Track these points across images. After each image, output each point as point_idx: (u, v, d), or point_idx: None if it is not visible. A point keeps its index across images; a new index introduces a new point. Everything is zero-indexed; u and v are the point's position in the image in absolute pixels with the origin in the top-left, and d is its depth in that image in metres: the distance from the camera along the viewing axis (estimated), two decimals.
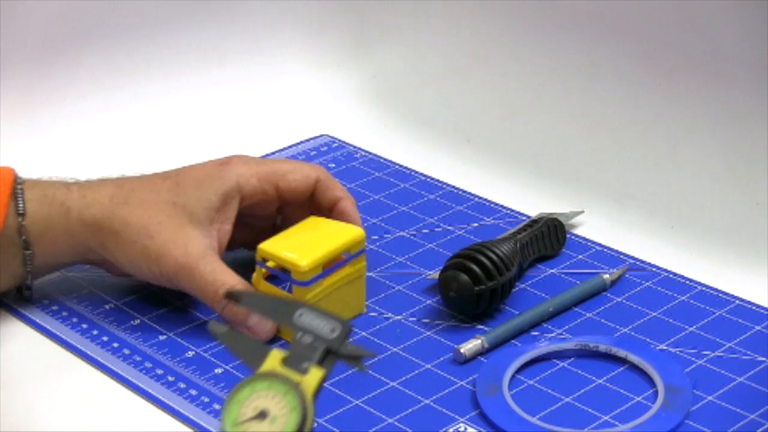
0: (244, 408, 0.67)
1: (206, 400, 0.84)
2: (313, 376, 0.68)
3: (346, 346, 0.69)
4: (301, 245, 0.88)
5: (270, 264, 0.88)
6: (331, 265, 0.88)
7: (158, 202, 0.88)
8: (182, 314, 0.92)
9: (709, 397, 0.83)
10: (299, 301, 0.73)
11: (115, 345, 0.90)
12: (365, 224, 0.98)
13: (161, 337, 0.91)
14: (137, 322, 0.92)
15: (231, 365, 0.88)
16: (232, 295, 0.77)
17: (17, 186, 0.88)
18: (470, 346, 0.88)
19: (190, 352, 0.89)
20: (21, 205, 0.87)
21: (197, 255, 0.86)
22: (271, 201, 0.92)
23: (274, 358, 0.69)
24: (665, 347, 0.89)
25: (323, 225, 0.91)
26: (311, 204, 0.93)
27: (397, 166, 1.14)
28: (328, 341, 0.69)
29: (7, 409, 0.83)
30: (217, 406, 0.83)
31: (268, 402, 0.67)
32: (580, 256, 1.00)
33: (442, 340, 0.90)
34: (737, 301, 0.94)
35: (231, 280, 0.86)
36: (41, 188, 0.89)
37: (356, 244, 0.90)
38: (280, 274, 0.88)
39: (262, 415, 0.66)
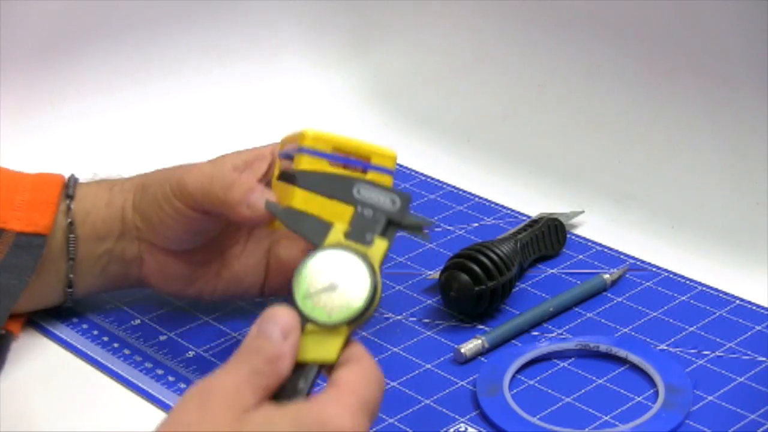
0: (312, 281, 0.66)
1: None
2: (378, 246, 0.68)
3: (407, 216, 0.69)
4: None
5: (285, 149, 0.83)
6: (346, 155, 0.81)
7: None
8: (182, 314, 0.92)
9: (710, 397, 0.83)
10: (354, 177, 0.73)
11: (116, 345, 0.90)
12: None
13: (161, 337, 0.91)
14: (137, 322, 0.92)
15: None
16: (284, 176, 0.76)
17: (70, 182, 0.88)
18: (470, 346, 0.88)
19: (190, 352, 0.89)
20: (71, 191, 0.87)
21: (219, 166, 0.83)
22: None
23: (337, 232, 0.69)
24: (666, 347, 0.89)
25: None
26: None
27: (397, 166, 1.14)
28: (390, 212, 0.69)
29: (7, 409, 0.83)
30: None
31: (336, 273, 0.66)
32: (581, 256, 1.00)
33: (443, 340, 0.90)
34: (737, 301, 0.94)
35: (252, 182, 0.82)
36: (105, 179, 0.90)
37: (383, 157, 0.81)
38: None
39: (331, 286, 0.66)
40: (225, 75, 1.27)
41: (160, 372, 0.87)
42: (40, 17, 1.15)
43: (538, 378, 0.86)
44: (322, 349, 0.65)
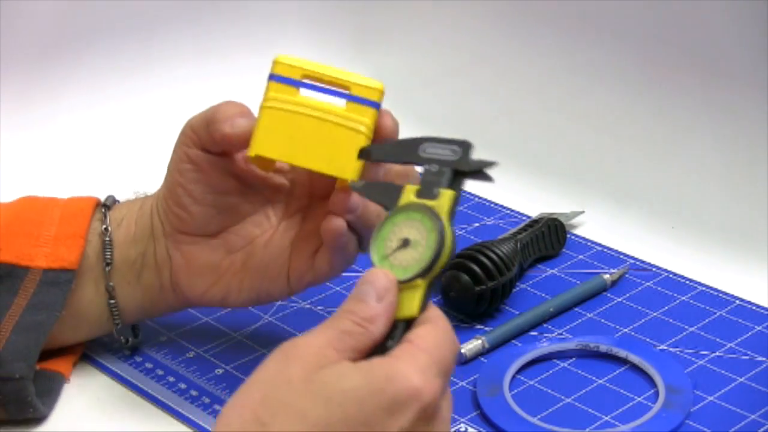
0: (388, 242, 0.68)
1: (207, 400, 0.84)
2: (445, 197, 0.69)
3: (469, 163, 0.71)
4: None
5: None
6: (321, 83, 0.78)
7: None
8: (183, 315, 0.92)
9: (710, 398, 0.83)
10: (419, 138, 0.73)
11: (116, 346, 0.90)
12: None
13: (162, 338, 0.91)
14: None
15: (231, 365, 0.88)
16: (363, 153, 0.75)
17: (108, 200, 0.87)
18: (471, 346, 0.88)
19: (190, 353, 0.89)
20: (108, 202, 0.87)
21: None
22: None
23: (408, 193, 0.70)
24: (666, 347, 0.89)
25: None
26: None
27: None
28: (452, 163, 0.70)
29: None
30: (217, 407, 0.83)
31: (408, 230, 0.68)
32: (581, 256, 1.00)
33: None
34: (737, 301, 0.94)
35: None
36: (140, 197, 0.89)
37: (366, 89, 0.78)
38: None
39: (405, 243, 0.68)
40: (225, 75, 1.27)
41: (160, 372, 0.87)
42: (40, 17, 1.15)
43: (539, 378, 0.86)
44: (405, 306, 0.66)
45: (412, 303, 0.66)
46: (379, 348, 0.65)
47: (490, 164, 0.71)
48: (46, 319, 0.82)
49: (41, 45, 1.16)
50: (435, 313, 0.66)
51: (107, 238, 0.85)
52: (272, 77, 0.79)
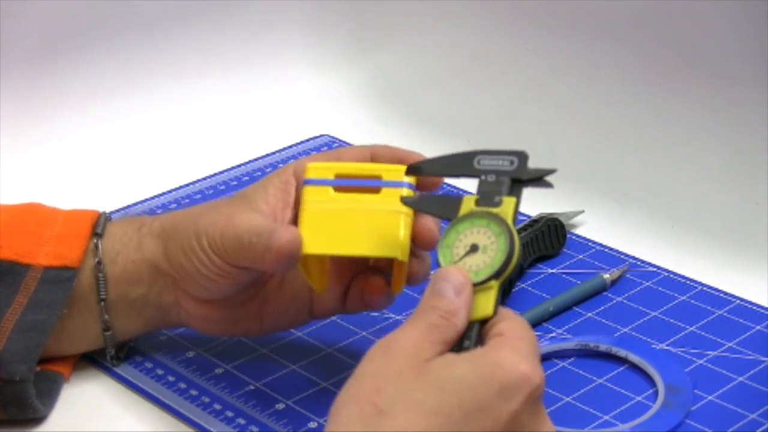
0: (455, 249, 0.71)
1: (207, 400, 0.84)
2: (507, 204, 0.72)
3: (528, 171, 0.73)
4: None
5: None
6: (352, 178, 0.81)
7: (219, 199, 0.85)
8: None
9: (710, 397, 0.83)
10: (472, 152, 0.75)
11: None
12: None
13: (162, 338, 0.91)
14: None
15: (231, 365, 0.88)
16: (412, 169, 0.77)
17: (101, 219, 0.86)
18: None
19: (190, 353, 0.89)
20: (100, 229, 0.85)
21: (243, 218, 0.80)
22: None
23: (468, 203, 0.72)
24: (666, 347, 0.89)
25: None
26: None
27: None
28: (510, 172, 0.73)
29: None
30: (217, 406, 0.83)
31: (475, 237, 0.71)
32: (581, 256, 1.00)
33: None
34: (737, 301, 0.94)
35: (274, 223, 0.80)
36: (134, 217, 0.88)
37: (392, 172, 0.80)
38: None
39: (473, 248, 0.70)
40: (225, 77, 1.27)
41: (160, 372, 0.87)
42: (40, 18, 1.15)
43: None
44: (479, 307, 0.68)
45: (487, 304, 0.69)
46: (456, 347, 0.67)
47: (549, 172, 0.74)
48: (48, 319, 0.82)
49: (40, 50, 1.16)
50: (508, 311, 0.69)
51: (101, 274, 0.84)
52: (306, 182, 0.81)
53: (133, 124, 1.21)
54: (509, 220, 0.71)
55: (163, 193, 1.11)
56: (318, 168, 0.81)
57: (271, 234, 0.78)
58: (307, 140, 1.20)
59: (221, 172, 1.14)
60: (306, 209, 0.80)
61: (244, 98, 1.27)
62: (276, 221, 0.81)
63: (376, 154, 0.83)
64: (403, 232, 0.79)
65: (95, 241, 0.84)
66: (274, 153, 1.18)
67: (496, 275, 0.69)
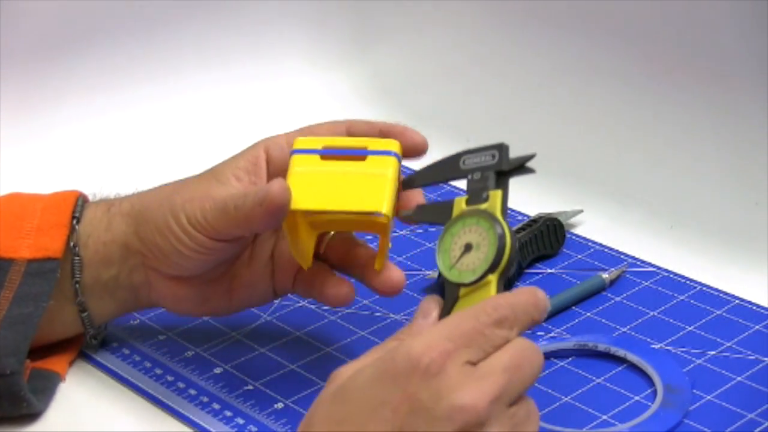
0: (452, 252, 0.72)
1: (205, 399, 0.84)
2: (494, 197, 0.73)
3: (508, 162, 0.74)
4: None
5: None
6: (340, 148, 0.81)
7: (189, 177, 0.85)
8: (182, 315, 0.92)
9: (708, 397, 0.83)
10: (457, 154, 0.77)
11: (115, 344, 0.90)
12: None
13: (161, 337, 0.91)
14: (136, 322, 0.92)
15: (230, 364, 0.88)
16: (405, 182, 0.80)
17: (79, 201, 0.86)
18: None
19: (189, 352, 0.89)
20: (78, 213, 0.85)
21: (218, 194, 0.81)
22: None
23: (458, 205, 0.74)
24: (664, 346, 0.89)
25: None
26: None
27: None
28: (493, 166, 0.74)
29: None
30: (216, 406, 0.83)
31: (468, 236, 0.72)
32: (579, 256, 1.00)
33: None
34: (736, 301, 0.94)
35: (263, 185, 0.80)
36: (102, 199, 0.88)
37: (383, 143, 0.81)
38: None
39: (467, 248, 0.72)
40: (225, 74, 1.27)
41: (159, 371, 0.87)
42: (40, 17, 1.15)
43: None
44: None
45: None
46: None
47: (528, 158, 0.74)
48: (34, 311, 0.82)
49: (40, 48, 1.16)
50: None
51: (76, 257, 0.84)
52: (294, 152, 0.81)
53: (132, 122, 1.21)
54: (497, 213, 0.72)
55: None
56: (307, 140, 0.82)
57: (257, 192, 0.78)
58: None
59: None
60: (293, 172, 0.80)
61: (244, 96, 1.27)
62: None
63: (353, 128, 0.83)
64: (387, 188, 0.79)
65: (74, 223, 0.85)
66: None
67: (491, 269, 0.70)
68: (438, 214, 0.76)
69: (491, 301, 0.68)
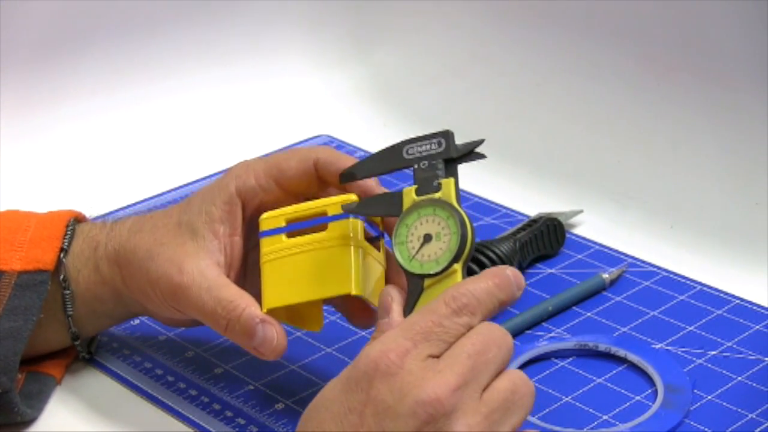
0: (409, 244, 0.72)
1: (206, 399, 0.84)
2: (447, 186, 0.72)
3: (457, 149, 0.74)
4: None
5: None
6: (302, 220, 0.80)
7: (167, 224, 0.83)
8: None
9: (709, 397, 0.83)
10: (398, 144, 0.75)
11: (115, 345, 0.90)
12: None
13: (161, 338, 0.91)
14: (136, 323, 0.92)
15: (230, 365, 0.88)
16: (345, 175, 0.77)
17: (69, 228, 0.85)
18: None
19: (189, 352, 0.89)
20: (66, 244, 0.84)
21: (192, 272, 0.80)
22: (278, 198, 0.83)
23: (409, 195, 0.73)
24: (665, 346, 0.89)
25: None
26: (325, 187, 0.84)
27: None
28: (441, 154, 0.73)
29: None
30: (217, 406, 0.83)
31: (425, 226, 0.72)
32: (580, 256, 1.00)
33: None
34: (737, 301, 0.94)
35: (229, 294, 0.79)
36: (89, 227, 0.86)
37: (336, 206, 0.79)
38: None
39: (427, 238, 0.71)
40: (225, 74, 1.27)
41: (159, 372, 0.87)
42: (40, 17, 1.15)
43: (537, 377, 0.86)
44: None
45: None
46: None
47: (477, 143, 0.74)
48: (23, 325, 0.81)
49: (40, 48, 1.16)
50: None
51: (67, 291, 0.84)
52: (261, 234, 0.81)
53: (131, 124, 1.21)
54: (453, 201, 0.72)
55: (162, 194, 1.11)
56: (270, 218, 0.81)
57: (256, 332, 0.78)
58: (306, 140, 1.20)
59: (219, 173, 1.14)
60: (264, 263, 0.80)
61: (243, 97, 1.27)
62: (226, 251, 0.82)
63: (319, 165, 0.82)
64: (353, 266, 0.78)
65: (62, 256, 0.84)
66: (272, 152, 1.18)
67: (455, 258, 0.70)
68: (386, 206, 0.74)
69: (450, 291, 0.67)
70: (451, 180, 0.72)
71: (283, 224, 0.80)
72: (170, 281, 0.80)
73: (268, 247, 0.80)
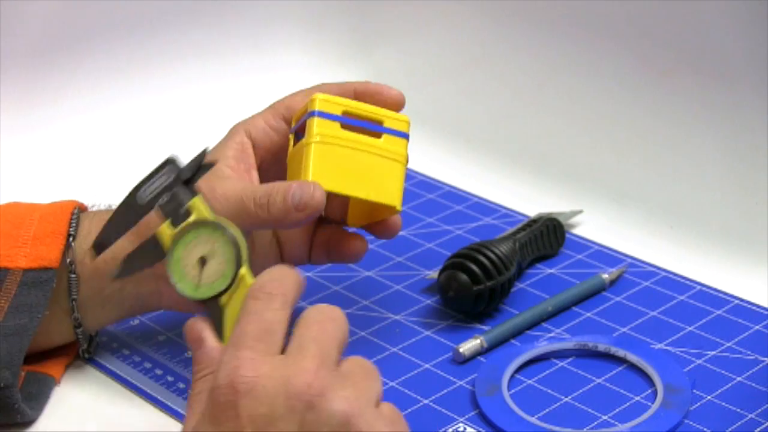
0: (189, 276, 0.70)
1: None
2: (195, 206, 0.71)
3: (187, 169, 0.72)
4: None
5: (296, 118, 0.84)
6: (358, 118, 0.82)
7: None
8: (181, 314, 0.92)
9: (709, 397, 0.83)
10: (130, 192, 0.74)
11: (115, 345, 0.90)
12: None
13: (160, 338, 0.91)
14: (136, 323, 0.92)
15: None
16: (97, 247, 0.76)
17: (73, 217, 0.85)
18: (469, 345, 0.88)
19: (189, 352, 0.89)
20: (73, 230, 0.84)
21: (215, 183, 0.81)
22: (288, 136, 0.85)
23: (164, 233, 0.71)
24: (664, 347, 0.89)
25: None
26: None
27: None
28: (175, 181, 0.72)
29: None
30: None
31: (196, 251, 0.70)
32: (579, 256, 1.00)
33: (442, 339, 0.90)
34: (736, 301, 0.94)
35: (261, 186, 0.80)
36: (96, 213, 0.87)
37: (397, 121, 0.83)
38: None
39: (203, 262, 0.70)
40: (225, 74, 1.27)
41: (159, 372, 0.87)
42: (40, 16, 1.15)
43: (537, 378, 0.86)
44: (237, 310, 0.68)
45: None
46: None
47: (202, 155, 0.72)
48: (29, 322, 0.81)
49: (41, 46, 1.16)
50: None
51: (73, 275, 0.83)
52: (314, 113, 0.81)
53: (132, 121, 1.21)
54: (208, 215, 0.71)
55: None
56: (326, 101, 0.82)
57: (289, 192, 0.79)
58: None
59: None
60: (316, 142, 0.81)
61: (243, 97, 1.27)
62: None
63: (360, 96, 0.84)
64: (401, 181, 0.82)
65: (70, 240, 0.84)
66: None
67: (238, 264, 0.69)
68: (149, 255, 0.72)
69: (251, 288, 0.67)
70: (197, 198, 0.71)
71: (339, 113, 0.82)
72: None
73: (321, 128, 0.81)
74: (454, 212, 1.07)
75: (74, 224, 0.84)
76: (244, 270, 0.69)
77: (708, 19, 1.06)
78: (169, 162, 0.72)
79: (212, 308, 0.69)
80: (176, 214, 0.71)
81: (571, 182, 1.10)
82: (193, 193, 0.72)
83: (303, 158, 0.81)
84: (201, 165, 0.72)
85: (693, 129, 1.08)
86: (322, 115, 0.81)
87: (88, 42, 1.19)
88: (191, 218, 0.71)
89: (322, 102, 0.81)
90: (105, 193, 1.08)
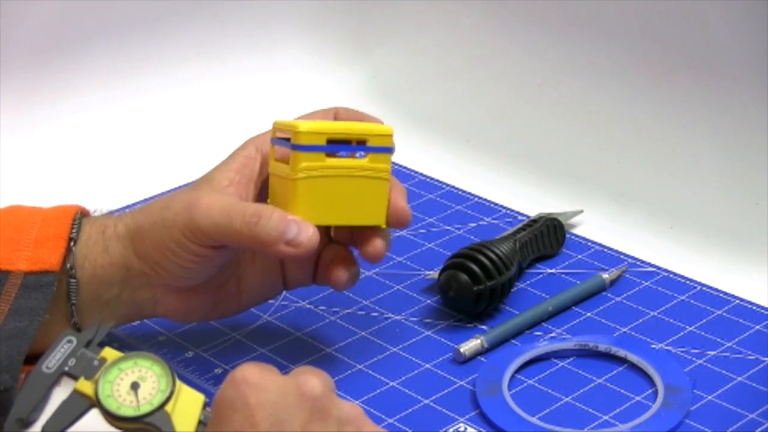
0: (126, 404, 0.69)
1: (206, 400, 0.84)
2: (107, 352, 0.70)
3: (84, 336, 0.71)
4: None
5: (278, 135, 0.84)
6: (340, 141, 0.82)
7: (180, 190, 0.85)
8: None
9: (709, 397, 0.83)
10: (35, 368, 0.72)
11: (115, 345, 0.89)
12: None
13: (161, 338, 0.91)
14: (136, 323, 0.92)
15: (230, 365, 0.88)
16: (18, 421, 0.72)
17: (75, 221, 0.84)
18: (470, 345, 0.88)
19: (189, 353, 0.89)
20: (74, 233, 0.84)
21: (211, 197, 0.81)
22: None
23: (83, 386, 0.70)
24: (665, 347, 0.89)
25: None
26: None
27: (396, 166, 1.14)
28: (77, 345, 0.71)
29: None
30: None
31: (125, 382, 0.69)
32: (580, 256, 1.00)
33: (442, 339, 0.90)
34: (737, 301, 0.94)
35: (252, 206, 0.80)
36: (95, 217, 0.87)
37: (380, 137, 0.83)
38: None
39: (135, 386, 0.69)
40: (225, 74, 1.27)
41: None
42: (40, 16, 1.15)
43: (538, 378, 0.86)
44: (188, 413, 0.69)
45: (191, 416, 0.69)
46: None
47: (103, 330, 0.72)
48: (29, 326, 0.81)
49: (41, 46, 1.16)
50: None
51: (73, 280, 0.83)
52: (298, 147, 0.81)
53: (132, 121, 1.21)
54: (119, 354, 0.70)
55: (162, 193, 1.11)
56: (310, 133, 0.81)
57: (281, 227, 0.79)
58: None
59: None
60: (300, 179, 0.81)
61: (244, 97, 1.27)
62: (240, 196, 0.83)
63: (339, 117, 0.85)
64: (386, 200, 0.83)
65: (71, 244, 0.84)
66: None
67: (172, 375, 0.69)
68: (73, 410, 0.70)
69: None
70: (106, 349, 0.70)
71: (324, 143, 0.82)
72: (188, 207, 0.80)
73: (306, 162, 0.81)
74: (454, 212, 1.07)
75: (76, 229, 0.84)
76: (177, 381, 0.69)
77: (708, 19, 1.06)
78: (69, 333, 0.71)
79: (161, 418, 0.69)
80: (90, 367, 0.70)
81: (572, 182, 1.10)
82: (102, 346, 0.71)
83: (289, 193, 0.81)
84: (99, 326, 0.72)
85: (693, 129, 1.08)
86: (306, 148, 0.81)
87: (88, 42, 1.19)
88: (108, 363, 0.70)
89: (305, 136, 0.81)
90: (105, 193, 1.08)
